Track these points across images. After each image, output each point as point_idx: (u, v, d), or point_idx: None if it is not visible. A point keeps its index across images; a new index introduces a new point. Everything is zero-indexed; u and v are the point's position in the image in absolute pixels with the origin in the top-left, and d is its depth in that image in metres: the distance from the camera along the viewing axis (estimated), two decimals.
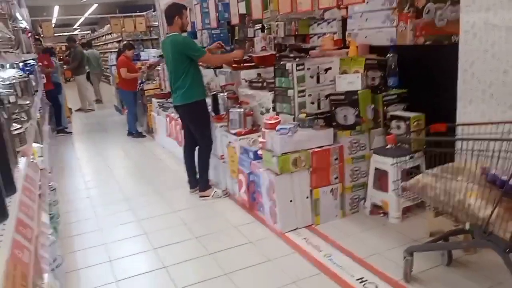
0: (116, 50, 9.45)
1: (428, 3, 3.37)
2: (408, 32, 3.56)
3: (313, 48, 4.59)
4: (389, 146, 3.31)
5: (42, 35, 11.36)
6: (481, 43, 2.81)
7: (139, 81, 7.35)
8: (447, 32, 3.21)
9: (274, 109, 3.73)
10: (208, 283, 2.67)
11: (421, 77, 3.39)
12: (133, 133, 7.26)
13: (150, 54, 9.15)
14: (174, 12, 3.96)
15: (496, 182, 2.05)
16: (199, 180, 4.14)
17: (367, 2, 3.90)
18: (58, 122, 8.19)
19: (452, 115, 2.99)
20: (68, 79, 16.80)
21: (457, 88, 2.99)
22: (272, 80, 3.78)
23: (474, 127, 2.47)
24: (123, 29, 11.43)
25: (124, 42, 8.32)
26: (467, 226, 2.14)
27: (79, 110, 10.62)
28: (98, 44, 17.73)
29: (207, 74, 4.88)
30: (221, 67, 4.71)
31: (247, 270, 2.77)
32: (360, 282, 2.50)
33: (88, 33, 22.14)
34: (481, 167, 2.14)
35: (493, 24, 2.71)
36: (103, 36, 17.47)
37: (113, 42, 14.78)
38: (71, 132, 8.23)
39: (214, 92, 4.30)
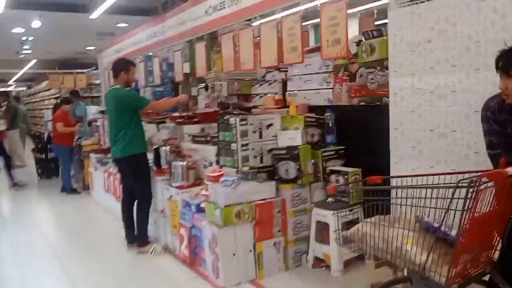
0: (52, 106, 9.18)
1: (361, 68, 3.68)
2: (343, 93, 3.84)
3: (256, 107, 4.76)
4: (329, 199, 3.44)
5: None
6: (408, 105, 3.09)
7: (76, 136, 7.13)
8: (379, 94, 3.49)
9: (217, 162, 3.75)
10: None
11: (356, 135, 3.61)
12: (67, 189, 6.89)
13: (89, 111, 8.96)
14: (121, 67, 3.99)
15: (429, 229, 2.17)
16: (137, 235, 3.97)
17: (306, 66, 4.21)
18: None
19: (386, 170, 3.18)
20: None
21: (390, 146, 3.22)
22: (215, 135, 3.85)
23: (407, 180, 2.63)
24: (62, 85, 11.17)
25: (64, 97, 8.13)
26: (405, 272, 2.21)
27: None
28: (34, 100, 17.11)
29: (148, 129, 4.86)
30: (163, 122, 4.73)
31: None
32: None
33: (24, 89, 21.37)
34: (416, 215, 2.27)
35: (418, 87, 3.01)
36: (39, 92, 16.94)
37: (50, 98, 14.35)
38: None
39: (156, 146, 4.27)
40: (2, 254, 4.17)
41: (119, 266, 3.70)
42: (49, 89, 13.78)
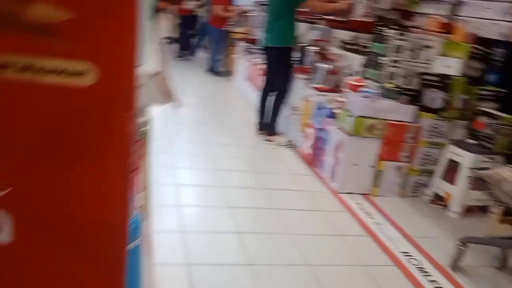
0: None
1: None
2: None
3: (416, 27, 4.40)
4: (469, 140, 3.21)
5: None
6: None
7: (229, 22, 7.43)
8: None
9: (361, 73, 3.67)
10: (256, 211, 2.80)
11: None
12: (213, 70, 7.41)
13: (245, 1, 9.18)
14: None
15: None
16: (267, 124, 4.23)
17: None
18: None
19: None
20: None
21: None
22: (366, 45, 3.71)
23: None
24: None
25: None
26: None
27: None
28: None
29: (300, 27, 4.86)
30: (316, 22, 4.67)
31: (295, 212, 2.85)
32: (405, 255, 2.50)
33: None
34: None
35: None
36: None
37: None
38: None
39: (304, 44, 4.30)
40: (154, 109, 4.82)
41: (245, 145, 4.05)
42: None
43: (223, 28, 7.26)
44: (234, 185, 3.11)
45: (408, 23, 4.71)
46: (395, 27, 4.23)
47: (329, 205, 3.03)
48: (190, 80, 6.96)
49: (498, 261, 2.51)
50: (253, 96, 4.98)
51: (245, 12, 7.53)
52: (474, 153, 3.01)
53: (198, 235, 2.40)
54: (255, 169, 3.46)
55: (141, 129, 1.12)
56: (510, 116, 3.08)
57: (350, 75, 3.81)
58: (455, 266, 2.42)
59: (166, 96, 0.77)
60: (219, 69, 7.44)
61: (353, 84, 3.37)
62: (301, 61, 4.26)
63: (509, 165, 2.26)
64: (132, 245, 0.78)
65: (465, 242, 2.41)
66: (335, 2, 4.30)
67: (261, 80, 4.51)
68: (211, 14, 7.34)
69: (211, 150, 3.75)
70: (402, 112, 3.24)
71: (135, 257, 0.79)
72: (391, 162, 3.26)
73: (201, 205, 2.81)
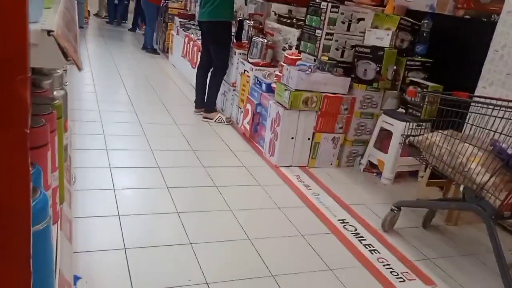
0: None
1: None
2: (449, 2, 3.48)
3: (350, 0, 4.48)
4: (400, 109, 3.35)
5: None
6: None
7: None
8: (489, 10, 3.14)
9: (298, 47, 3.69)
10: (197, 189, 2.76)
11: (449, 50, 3.36)
12: (148, 47, 7.18)
13: None
14: None
15: (501, 154, 2.09)
16: (206, 102, 4.16)
17: None
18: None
19: (470, 93, 2.99)
20: None
21: (482, 68, 2.98)
22: (301, 19, 3.72)
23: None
24: None
25: None
26: (461, 188, 2.20)
27: (95, 15, 10.45)
28: None
29: (236, 2, 4.78)
30: None
31: (236, 188, 2.85)
32: (341, 223, 2.58)
33: None
34: (491, 138, 2.17)
35: None
36: None
37: None
38: (81, 27, 8.18)
39: (240, 19, 4.24)
40: (85, 87, 4.59)
41: (183, 123, 3.96)
42: None
43: (157, 3, 7.00)
44: (173, 165, 3.04)
45: None
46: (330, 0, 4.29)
47: (268, 179, 3.05)
48: (125, 58, 6.67)
49: (425, 221, 2.67)
50: (191, 73, 4.87)
51: None
52: (404, 121, 3.15)
53: (137, 218, 2.33)
54: (194, 148, 3.40)
55: (54, 102, 1.03)
56: (436, 85, 3.24)
57: (287, 48, 3.82)
58: (387, 228, 2.55)
59: (64, 56, 0.70)
60: (152, 46, 7.20)
61: (290, 58, 3.37)
62: (238, 36, 4.20)
63: (438, 131, 2.37)
64: (38, 227, 0.72)
65: (397, 206, 2.54)
66: None
67: (198, 57, 4.41)
68: None
69: (148, 130, 3.63)
70: (336, 84, 3.31)
71: (43, 240, 0.73)
72: (327, 133, 3.34)
73: (138, 187, 2.72)
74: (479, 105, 2.20)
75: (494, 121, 2.11)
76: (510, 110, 2.01)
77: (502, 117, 2.00)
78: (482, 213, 2.03)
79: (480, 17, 3.23)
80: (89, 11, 9.58)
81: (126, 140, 3.38)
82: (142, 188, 2.70)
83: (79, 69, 0.72)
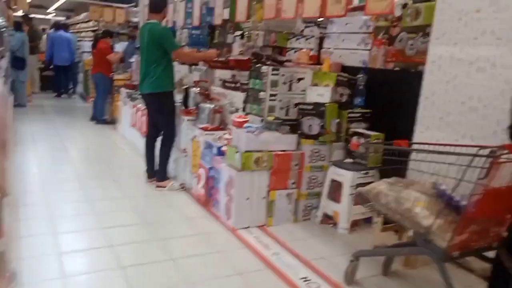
0: (91, 39, 9.33)
1: (402, 33, 3.57)
2: (379, 56, 3.75)
3: (289, 61, 4.72)
4: (347, 159, 3.46)
5: (15, 7, 10.96)
6: (444, 75, 3.01)
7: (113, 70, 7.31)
8: (415, 61, 3.41)
9: (244, 109, 3.79)
10: (153, 265, 2.64)
11: (385, 100, 3.56)
12: (99, 119, 7.14)
13: (124, 47, 9.08)
14: (164, 2, 4.04)
15: (443, 196, 2.18)
16: (157, 171, 4.10)
17: (346, 24, 4.12)
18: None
19: (409, 139, 3.15)
20: None
21: (417, 114, 3.18)
22: (245, 83, 3.86)
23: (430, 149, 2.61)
24: (101, 18, 11.23)
25: (104, 29, 8.23)
26: (411, 233, 2.25)
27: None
28: (72, 31, 17.26)
29: (180, 70, 4.92)
30: (196, 64, 4.75)
31: (194, 258, 2.76)
32: (304, 281, 2.55)
33: (63, 19, 21.55)
34: (433, 182, 2.27)
35: (458, 58, 2.92)
36: (78, 23, 17.06)
37: (87, 31, 14.47)
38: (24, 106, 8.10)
39: (186, 86, 4.33)
40: (29, 169, 4.41)
41: (135, 195, 3.87)
42: (87, 21, 13.88)
43: (110, 75, 7.10)
44: (125, 242, 2.92)
45: (281, 58, 5.05)
46: (270, 62, 4.50)
47: (227, 244, 2.99)
48: (72, 131, 6.55)
49: (385, 267, 2.70)
50: (141, 143, 4.83)
51: (124, 57, 7.45)
52: (352, 171, 3.24)
53: None
54: (147, 220, 3.31)
55: None
56: (377, 133, 3.39)
57: (234, 112, 3.90)
58: (349, 281, 2.54)
59: None
60: (103, 117, 7.18)
61: (237, 121, 3.45)
62: (185, 103, 4.27)
63: (383, 179, 2.46)
64: None
65: (356, 256, 2.55)
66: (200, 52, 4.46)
67: (146, 126, 4.41)
68: (97, 63, 7.16)
69: (98, 207, 3.50)
70: (285, 142, 3.39)
71: None
72: (281, 190, 3.37)
73: (89, 271, 2.56)
74: (420, 151, 2.31)
75: (434, 166, 2.22)
76: (449, 154, 2.12)
77: (439, 162, 2.11)
78: (433, 256, 2.08)
79: (408, 68, 3.49)
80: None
81: (74, 221, 3.23)
82: (93, 272, 2.55)
83: (4, 195, 0.70)
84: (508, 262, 2.13)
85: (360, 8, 3.88)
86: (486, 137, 2.71)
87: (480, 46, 2.77)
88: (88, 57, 9.28)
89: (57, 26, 10.43)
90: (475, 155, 1.87)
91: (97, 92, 7.43)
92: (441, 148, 2.40)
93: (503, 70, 2.65)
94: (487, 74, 2.74)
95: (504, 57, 2.64)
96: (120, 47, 9.03)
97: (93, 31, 12.52)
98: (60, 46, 9.85)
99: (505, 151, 1.81)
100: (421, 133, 3.16)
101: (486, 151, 1.85)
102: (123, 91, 6.49)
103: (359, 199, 2.59)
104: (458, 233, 1.99)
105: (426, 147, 2.48)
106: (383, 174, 2.51)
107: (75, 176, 4.28)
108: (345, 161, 3.46)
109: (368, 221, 3.41)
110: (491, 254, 2.34)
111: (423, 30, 3.35)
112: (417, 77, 3.20)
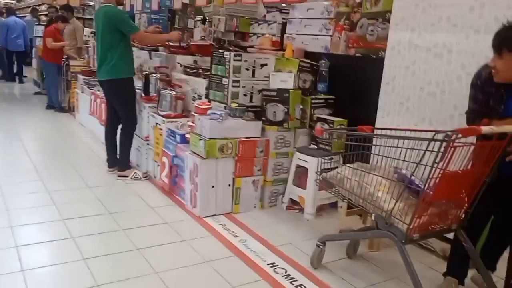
0: (44, 23, 8.90)
1: (362, 18, 3.61)
2: (341, 42, 3.79)
3: (252, 47, 4.68)
4: (311, 145, 3.50)
5: None
6: (403, 60, 3.08)
7: (65, 56, 6.99)
8: (376, 47, 3.46)
9: (207, 96, 3.74)
10: (118, 256, 2.59)
11: (347, 86, 3.61)
12: (55, 106, 6.87)
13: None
14: None
15: (404, 180, 2.24)
16: (118, 160, 4.00)
17: (308, 10, 4.12)
18: None
19: (371, 124, 3.22)
20: None
21: (378, 100, 3.25)
22: (207, 69, 3.80)
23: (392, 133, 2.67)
24: (55, 1, 10.70)
25: (59, 13, 7.83)
26: (373, 217, 2.31)
27: None
28: (24, 15, 16.41)
29: (140, 56, 4.77)
30: (156, 49, 4.63)
31: (160, 248, 2.73)
32: (271, 267, 2.57)
33: (13, 2, 20.40)
34: (394, 166, 2.33)
35: (416, 44, 2.99)
36: (29, 7, 16.21)
37: (40, 14, 13.79)
38: None
39: (146, 72, 4.21)
40: None
41: (97, 185, 3.76)
42: (40, 4, 13.21)
43: (57, 63, 6.78)
44: (88, 233, 2.83)
45: (244, 44, 5.00)
46: (233, 48, 4.45)
47: (193, 233, 2.97)
48: (28, 120, 6.26)
49: (350, 251, 2.77)
50: (100, 131, 4.68)
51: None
52: (316, 156, 3.28)
53: None
54: (111, 210, 3.23)
55: None
56: (340, 119, 3.45)
57: (196, 98, 3.85)
58: (316, 265, 2.59)
59: None
60: (60, 105, 6.91)
61: (200, 108, 3.40)
62: (145, 90, 4.16)
63: (346, 165, 2.50)
64: None
65: (322, 241, 2.60)
66: (162, 33, 4.31)
67: (105, 114, 4.27)
68: (44, 48, 6.83)
69: (58, 198, 3.38)
70: (249, 128, 3.38)
71: None
72: (247, 177, 3.37)
73: (51, 264, 2.48)
74: (380, 137, 2.36)
75: (395, 150, 2.27)
76: (407, 139, 2.18)
77: (398, 146, 2.16)
78: (394, 238, 2.15)
79: (369, 54, 3.54)
80: None
81: (32, 213, 3.10)
82: (55, 264, 2.47)
83: None
84: (466, 242, 2.23)
85: None
86: (444, 122, 2.81)
87: (437, 32, 2.85)
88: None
89: (9, 11, 9.95)
90: (431, 140, 1.93)
91: (46, 79, 7.15)
92: (401, 134, 2.47)
93: (459, 56, 2.74)
94: (444, 59, 2.83)
95: (460, 43, 2.73)
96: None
97: (46, 14, 11.95)
98: (13, 32, 9.41)
99: (459, 136, 1.88)
100: (382, 119, 3.24)
101: (441, 136, 1.91)
102: (80, 78, 6.25)
103: (324, 184, 2.63)
104: (418, 216, 2.06)
105: (386, 132, 2.55)
106: (347, 160, 2.55)
107: (32, 166, 4.10)
108: (309, 147, 3.50)
109: (333, 206, 3.48)
110: (450, 235, 2.45)
111: (383, 16, 3.40)
112: (378, 62, 3.26)
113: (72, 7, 7.95)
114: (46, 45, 6.69)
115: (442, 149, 1.92)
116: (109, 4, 3.80)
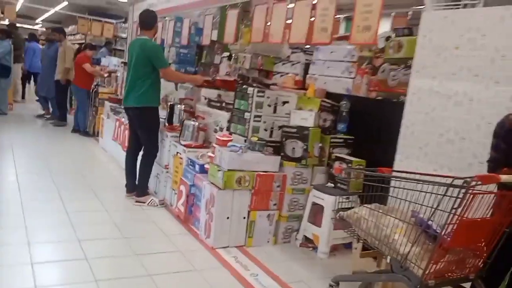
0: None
1: (385, 64, 3.70)
2: (363, 85, 3.87)
3: (275, 84, 4.81)
4: (328, 184, 3.52)
5: (1, 15, 10.90)
6: (423, 106, 3.12)
7: (95, 82, 7.27)
8: (397, 92, 3.53)
9: (228, 128, 3.83)
10: (129, 280, 2.61)
11: (367, 128, 3.66)
12: (81, 130, 7.11)
13: (111, 62, 9.06)
14: (154, 19, 4.09)
15: (421, 224, 2.23)
16: (137, 186, 4.08)
17: (331, 52, 4.24)
18: None
19: (389, 166, 3.24)
20: None
21: (398, 143, 3.28)
22: (231, 102, 3.91)
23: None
24: (89, 32, 11.25)
25: (87, 42, 8.24)
26: (388, 260, 2.29)
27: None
28: None
29: (167, 87, 4.94)
30: (183, 82, 4.80)
31: (172, 275, 2.74)
32: None
33: (45, 29, 21.41)
34: (412, 210, 2.33)
35: (436, 91, 3.04)
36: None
37: (74, 43, 14.44)
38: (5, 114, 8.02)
39: (171, 103, 4.35)
40: (6, 177, 4.33)
41: (114, 209, 3.83)
42: (75, 34, 13.86)
43: (87, 89, 7.07)
44: (102, 255, 2.88)
45: (267, 81, 5.13)
46: (256, 84, 4.58)
47: (205, 263, 2.98)
48: (54, 142, 6.46)
49: None
50: (121, 157, 4.79)
51: (111, 71, 7.44)
52: (333, 195, 3.29)
53: None
54: (126, 235, 3.27)
55: None
56: (358, 160, 3.47)
57: (218, 130, 3.94)
58: None
59: None
60: (85, 129, 7.14)
61: (221, 140, 3.48)
62: (169, 119, 4.28)
63: (364, 205, 2.50)
64: None
65: (335, 281, 2.57)
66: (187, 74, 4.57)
67: (127, 140, 4.40)
68: (76, 75, 7.12)
69: (76, 219, 3.44)
70: (267, 162, 3.43)
71: None
72: (262, 211, 3.39)
73: (64, 283, 2.51)
74: (399, 179, 2.37)
75: (413, 194, 2.28)
76: (426, 183, 2.19)
77: (416, 190, 2.17)
78: (409, 284, 2.11)
79: (390, 98, 3.60)
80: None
81: (50, 232, 3.17)
82: (67, 284, 2.50)
83: None
84: None
85: (345, 38, 4.03)
86: (462, 169, 2.81)
87: (458, 81, 2.90)
88: None
89: (31, 37, 10.41)
90: (449, 185, 1.94)
91: (76, 104, 7.42)
92: (420, 177, 2.48)
93: (478, 105, 2.77)
94: (464, 108, 2.86)
95: (480, 93, 2.76)
96: (106, 61, 9.04)
97: (80, 43, 12.51)
98: (37, 56, 9.79)
99: (478, 182, 1.88)
100: (401, 162, 3.25)
101: (460, 181, 1.92)
102: (107, 104, 6.47)
103: (341, 223, 2.62)
104: (434, 261, 2.04)
105: (405, 175, 2.56)
106: (364, 200, 2.56)
107: (54, 187, 4.21)
108: (326, 185, 3.52)
109: (347, 246, 3.44)
110: (467, 285, 2.40)
111: (405, 63, 3.48)
112: (399, 107, 3.31)
113: (63, 29, 8.27)
114: (80, 72, 6.96)
115: (460, 195, 1.92)
116: (146, 37, 3.99)
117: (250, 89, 3.61)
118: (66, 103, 8.09)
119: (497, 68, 2.67)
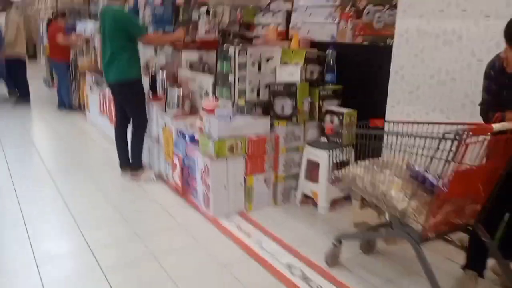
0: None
1: (369, 5, 3.51)
2: (348, 30, 3.69)
3: (257, 37, 4.61)
4: (322, 139, 3.46)
5: None
6: (412, 48, 3.00)
7: (73, 54, 6.97)
8: (384, 34, 3.37)
9: (214, 93, 3.71)
10: (132, 264, 2.61)
11: (356, 75, 3.54)
12: (66, 105, 6.93)
13: (87, 27, 8.66)
14: None
15: (417, 178, 2.20)
16: (131, 161, 4.01)
17: None
18: None
19: (381, 113, 3.16)
20: None
21: (388, 89, 3.18)
22: (212, 64, 3.75)
23: (403, 126, 2.61)
24: None
25: (60, 11, 7.81)
26: (387, 217, 2.28)
27: None
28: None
29: (145, 53, 4.73)
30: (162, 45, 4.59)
31: (175, 251, 2.75)
32: (287, 268, 2.57)
33: None
34: (407, 162, 2.29)
35: (425, 31, 2.90)
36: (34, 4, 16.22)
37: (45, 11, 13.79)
38: None
39: (152, 72, 4.19)
40: None
41: (111, 188, 3.80)
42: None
43: (65, 60, 6.79)
44: (105, 243, 2.85)
45: (249, 35, 4.92)
46: (238, 39, 4.39)
47: (207, 235, 2.98)
48: (39, 120, 6.32)
49: (366, 247, 2.75)
50: (111, 130, 4.69)
51: (88, 39, 7.09)
52: (327, 150, 3.24)
53: None
54: (124, 214, 3.26)
55: None
56: (349, 111, 3.38)
57: (204, 95, 3.82)
58: (332, 263, 2.58)
59: None
60: (70, 104, 6.95)
61: (208, 108, 3.37)
62: (153, 89, 4.14)
63: (359, 162, 2.46)
64: None
65: (339, 240, 2.58)
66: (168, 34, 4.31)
67: (114, 116, 4.28)
68: (51, 48, 6.82)
69: (71, 203, 3.42)
70: (258, 125, 3.35)
71: None
72: (258, 175, 3.35)
73: (67, 275, 2.52)
74: (391, 134, 2.30)
75: (407, 143, 2.22)
76: (417, 137, 2.13)
77: (411, 135, 2.11)
78: (409, 239, 2.12)
79: (377, 42, 3.45)
80: None
81: (46, 215, 3.15)
82: (72, 275, 2.50)
83: None
84: (485, 236, 2.20)
85: None
86: (456, 110, 2.74)
87: (446, 18, 2.76)
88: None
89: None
90: (441, 139, 1.89)
91: (57, 79, 7.17)
92: (412, 131, 2.41)
93: (469, 42, 2.65)
94: (453, 46, 2.74)
95: (469, 29, 2.63)
96: (82, 26, 8.62)
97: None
98: None
99: (470, 134, 1.83)
100: (392, 108, 3.17)
101: (452, 133, 1.86)
102: (89, 77, 6.25)
103: (336, 182, 2.59)
104: (432, 214, 2.03)
105: (397, 128, 2.49)
106: (359, 151, 2.50)
107: (43, 170, 4.16)
108: (320, 140, 3.46)
109: (347, 198, 3.45)
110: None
111: (390, 2, 3.30)
112: (386, 50, 3.17)
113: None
114: (54, 44, 6.64)
115: (453, 147, 1.87)
116: (116, 7, 3.75)
117: (231, 50, 3.44)
118: (25, 79, 7.48)
119: (486, 1, 2.52)
